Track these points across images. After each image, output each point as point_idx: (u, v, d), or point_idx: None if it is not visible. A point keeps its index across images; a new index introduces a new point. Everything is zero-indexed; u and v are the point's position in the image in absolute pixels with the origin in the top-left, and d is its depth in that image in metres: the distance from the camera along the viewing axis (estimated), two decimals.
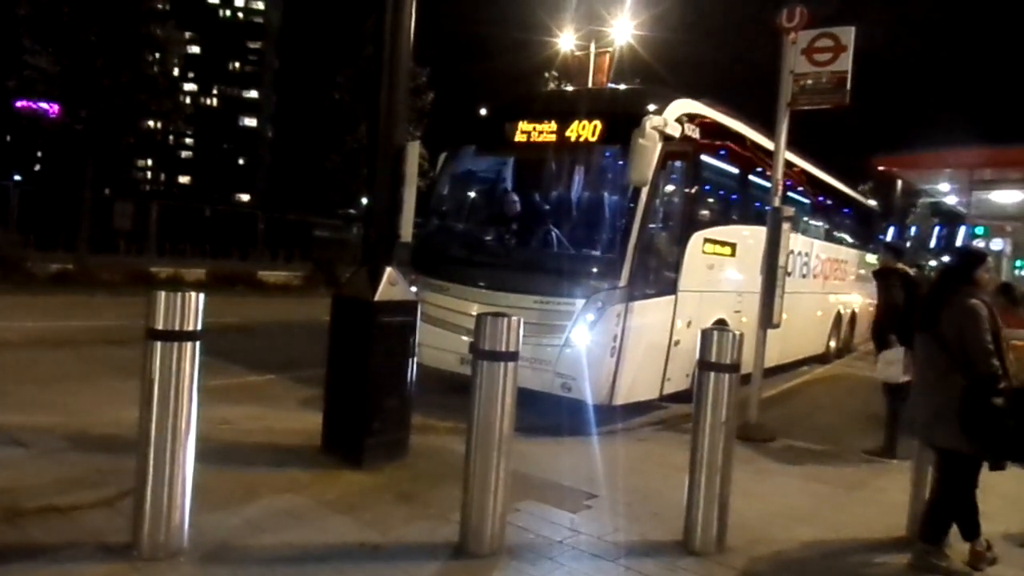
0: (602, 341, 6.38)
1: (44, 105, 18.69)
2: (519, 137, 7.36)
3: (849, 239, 13.86)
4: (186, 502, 3.35)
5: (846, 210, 13.92)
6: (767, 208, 7.21)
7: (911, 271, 7.23)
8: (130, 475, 3.41)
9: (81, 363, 7.67)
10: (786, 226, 6.92)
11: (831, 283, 12.38)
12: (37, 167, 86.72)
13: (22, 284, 13.74)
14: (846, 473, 5.96)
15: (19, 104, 19.21)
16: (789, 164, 8.48)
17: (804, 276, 10.76)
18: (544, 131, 7.23)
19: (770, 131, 7.38)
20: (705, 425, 3.95)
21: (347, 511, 4.12)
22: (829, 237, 12.47)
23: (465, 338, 6.78)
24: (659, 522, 4.34)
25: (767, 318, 6.86)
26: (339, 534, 3.82)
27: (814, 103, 6.84)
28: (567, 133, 7.04)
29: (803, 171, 10.98)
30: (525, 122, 7.34)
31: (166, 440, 3.25)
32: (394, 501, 4.35)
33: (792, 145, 7.70)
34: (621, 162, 6.67)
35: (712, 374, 3.94)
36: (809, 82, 6.77)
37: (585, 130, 6.95)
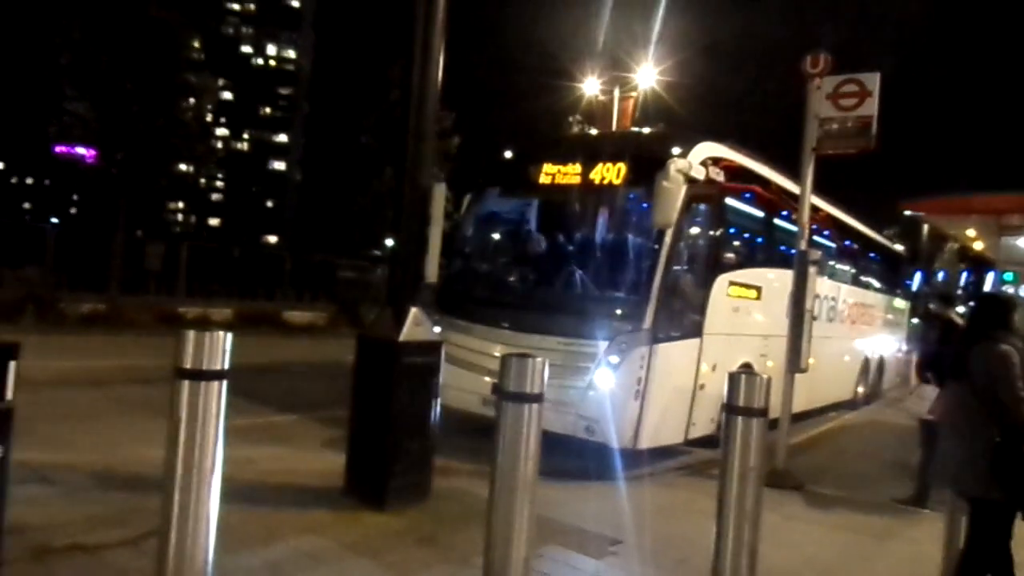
0: (626, 384, 6.33)
1: (81, 150, 19.22)
2: (543, 179, 7.43)
3: (876, 284, 13.71)
4: (210, 542, 3.34)
5: (872, 255, 13.80)
6: (792, 251, 7.18)
7: (958, 320, 7.11)
8: (154, 514, 3.41)
9: (110, 402, 7.75)
10: (813, 269, 6.88)
11: (858, 328, 12.22)
12: (73, 210, 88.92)
13: (55, 323, 13.97)
14: (876, 522, 5.82)
15: (58, 149, 19.81)
16: (815, 208, 8.46)
17: (831, 320, 10.64)
18: (568, 173, 7.29)
19: (796, 175, 7.38)
20: (733, 471, 3.88)
21: (369, 554, 4.09)
22: (855, 281, 12.35)
23: (487, 379, 6.76)
24: (686, 569, 4.26)
25: (795, 362, 6.79)
26: None
27: (839, 148, 6.86)
28: (591, 175, 7.10)
29: (828, 215, 10.94)
30: (549, 164, 7.42)
31: (191, 479, 3.26)
32: (416, 544, 4.31)
33: (817, 188, 7.70)
34: (645, 204, 6.69)
35: (740, 418, 3.88)
36: (834, 127, 6.80)
37: (609, 172, 7.01)
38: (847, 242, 12.04)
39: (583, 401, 6.36)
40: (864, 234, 13.05)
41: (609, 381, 6.33)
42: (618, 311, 6.60)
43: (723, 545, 3.89)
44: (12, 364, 3.09)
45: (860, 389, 12.72)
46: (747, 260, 8.31)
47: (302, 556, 3.97)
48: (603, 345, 6.39)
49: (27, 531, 3.74)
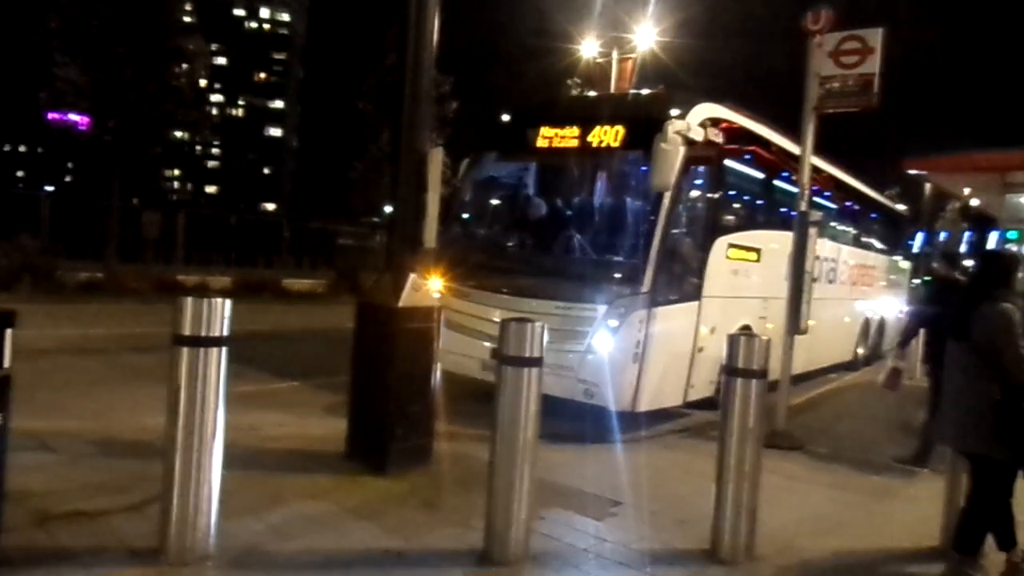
0: (624, 347, 6.33)
1: (74, 117, 18.98)
2: (541, 143, 7.35)
3: (877, 244, 13.66)
4: (212, 507, 3.36)
5: (874, 215, 13.74)
6: (793, 213, 7.12)
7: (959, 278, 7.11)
8: (156, 480, 3.43)
9: (109, 370, 7.76)
10: (813, 231, 6.83)
11: (859, 289, 12.21)
12: (68, 178, 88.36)
13: (52, 292, 13.93)
14: (876, 482, 5.86)
15: (50, 116, 19.57)
16: (815, 168, 8.39)
17: (831, 282, 10.62)
18: (566, 136, 7.21)
19: (796, 135, 7.30)
20: (732, 432, 3.90)
21: (371, 517, 4.11)
22: (856, 242, 12.31)
23: (486, 344, 6.76)
24: (685, 530, 4.29)
25: (794, 324, 6.78)
26: (363, 540, 3.82)
27: (841, 106, 6.76)
28: (589, 138, 7.02)
29: (829, 175, 10.86)
30: (547, 127, 7.32)
31: (192, 446, 3.27)
32: (418, 507, 4.34)
33: (819, 149, 7.62)
34: (643, 167, 6.62)
35: (739, 380, 3.89)
36: (835, 85, 6.70)
37: (607, 135, 6.92)
38: (848, 203, 11.97)
39: (582, 365, 6.37)
40: (865, 194, 12.97)
41: (608, 344, 6.33)
42: (616, 275, 6.57)
43: (722, 506, 3.93)
44: (8, 332, 3.07)
45: (860, 350, 12.76)
46: (746, 222, 8.26)
47: (304, 520, 3.99)
48: (602, 309, 6.38)
49: (29, 497, 3.75)
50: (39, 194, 21.60)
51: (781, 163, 8.84)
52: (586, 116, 7.23)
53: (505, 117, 8.04)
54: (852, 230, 12.27)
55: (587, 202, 7.50)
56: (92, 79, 16.11)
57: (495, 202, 8.36)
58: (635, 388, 6.39)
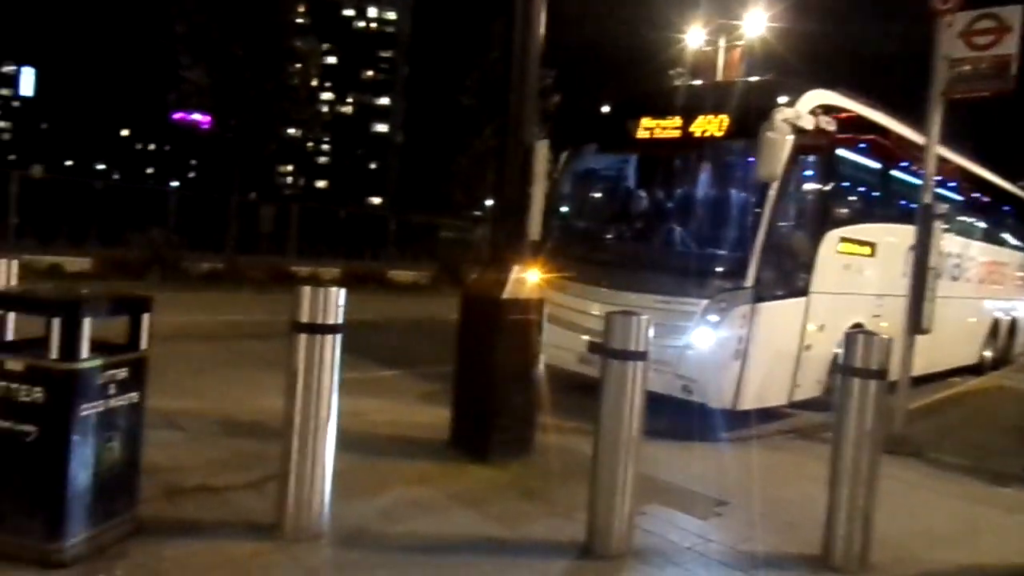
0: (726, 343, 6.15)
1: (198, 116, 20.15)
2: (642, 133, 7.21)
3: (1011, 240, 12.72)
4: (326, 488, 3.51)
5: (1006, 208, 12.78)
6: (912, 205, 6.73)
7: None
8: (274, 460, 3.61)
9: (229, 354, 8.21)
10: (938, 224, 6.43)
11: (987, 287, 11.41)
12: (191, 174, 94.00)
13: (178, 281, 14.90)
14: (1004, 494, 5.48)
15: (176, 116, 20.84)
16: (940, 158, 7.90)
17: (955, 279, 9.97)
18: (668, 127, 7.04)
19: (920, 122, 6.89)
20: (848, 434, 3.73)
21: (474, 505, 4.18)
22: (986, 237, 11.50)
23: (584, 337, 6.75)
24: (795, 534, 4.14)
25: (915, 323, 6.41)
26: (466, 527, 3.89)
27: (972, 91, 6.33)
28: (692, 128, 6.83)
29: (956, 165, 10.19)
30: (648, 118, 7.18)
31: (308, 428, 3.42)
32: (520, 497, 4.38)
33: (946, 137, 7.15)
34: (749, 157, 6.38)
35: (857, 380, 3.72)
36: (967, 68, 6.27)
37: (711, 124, 6.73)
38: (976, 194, 11.20)
39: (681, 360, 6.22)
40: (996, 185, 12.09)
41: (708, 340, 6.18)
42: (718, 269, 6.40)
43: (836, 511, 3.77)
44: (146, 316, 3.31)
45: (987, 353, 11.92)
46: (861, 215, 7.86)
47: (410, 504, 4.10)
48: (702, 304, 6.23)
49: (160, 472, 4.02)
50: (166, 190, 23.12)
51: (900, 152, 8.36)
52: (689, 106, 7.05)
53: (604, 109, 7.95)
54: (981, 224, 11.47)
55: (689, 194, 7.33)
56: (214, 80, 17.06)
57: (594, 194, 8.28)
58: (736, 386, 6.20)
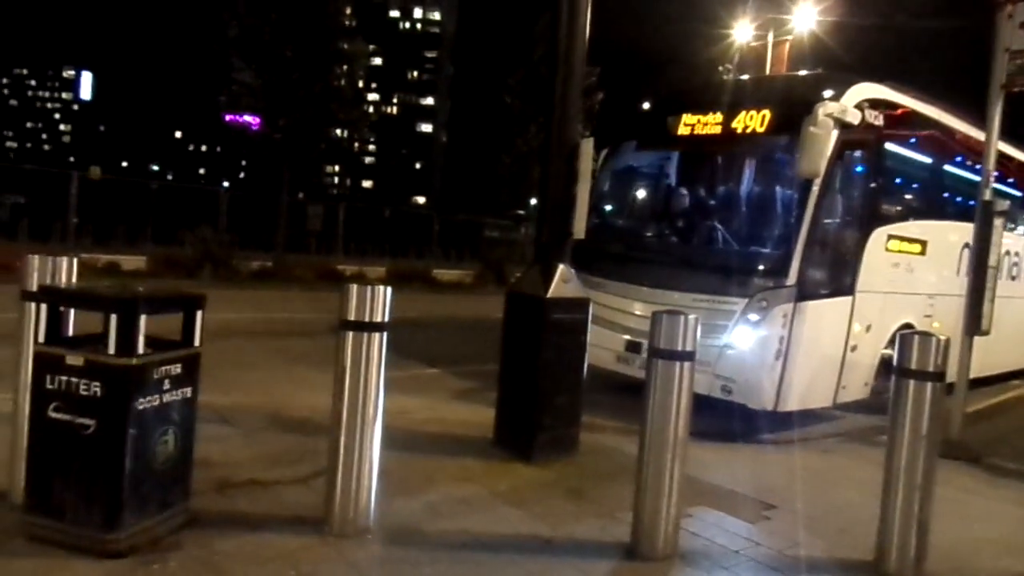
0: (766, 343, 6.02)
1: (248, 118, 20.57)
2: (682, 130, 7.09)
3: None
4: (373, 484, 3.54)
5: None
6: (968, 201, 6.52)
7: None
8: (322, 455, 3.66)
9: (279, 351, 8.36)
10: (999, 222, 6.22)
11: None
12: (242, 174, 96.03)
13: (229, 279, 15.25)
14: None
15: (227, 118, 21.33)
16: (1001, 155, 7.63)
17: (1014, 278, 9.62)
18: (708, 123, 6.90)
19: (977, 116, 6.67)
20: (903, 438, 3.62)
21: (518, 503, 4.18)
22: None
23: (623, 336, 6.70)
24: (846, 539, 4.05)
25: (974, 324, 6.21)
26: (511, 525, 3.89)
27: None
28: (733, 124, 6.69)
29: (1019, 161, 9.83)
30: (689, 114, 7.05)
31: (356, 424, 3.46)
32: (564, 497, 4.36)
33: (1007, 132, 6.91)
34: (791, 153, 6.24)
35: (912, 382, 3.61)
36: None
37: (753, 120, 6.59)
38: None
39: (720, 360, 6.11)
40: None
41: (748, 340, 6.06)
42: (759, 267, 6.28)
43: (890, 517, 3.67)
44: (199, 313, 3.38)
45: None
46: (911, 211, 7.64)
47: (456, 502, 4.12)
48: (742, 302, 6.11)
49: (211, 466, 4.11)
50: (218, 190, 23.64)
51: (954, 146, 8.11)
52: (730, 101, 6.90)
53: (644, 105, 7.86)
54: None
55: (729, 191, 7.21)
56: (264, 82, 17.41)
57: (633, 192, 8.20)
58: (777, 386, 6.06)
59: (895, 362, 3.74)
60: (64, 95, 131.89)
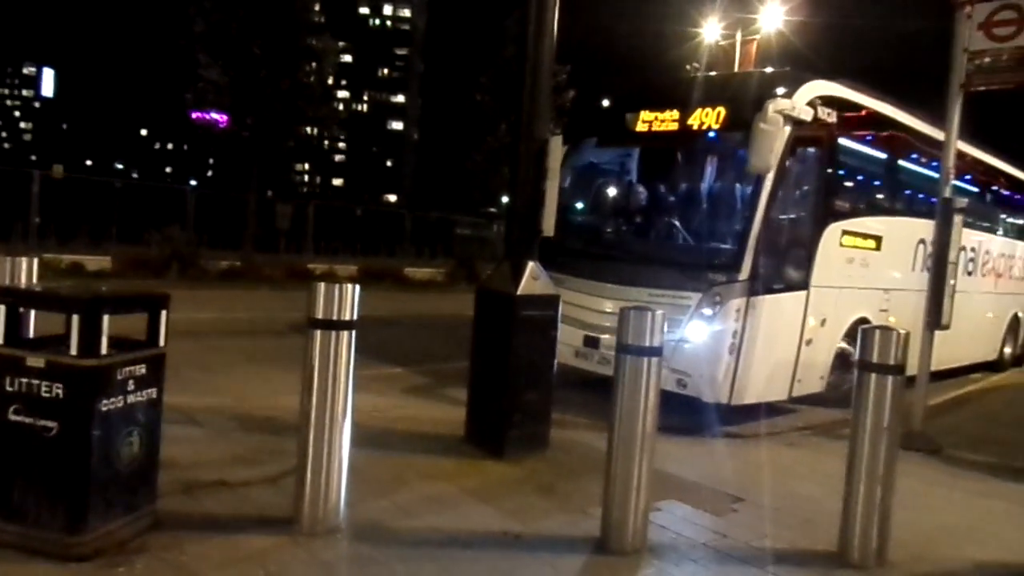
0: (720, 337, 6.10)
1: (215, 115, 20.30)
2: (640, 127, 7.11)
3: None
4: (342, 483, 3.53)
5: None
6: (923, 197, 6.66)
7: None
8: (291, 455, 3.64)
9: (246, 351, 8.27)
10: (958, 219, 6.37)
11: (1006, 282, 11.26)
12: (209, 172, 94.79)
13: (197, 279, 15.04)
14: None
15: (194, 115, 21.03)
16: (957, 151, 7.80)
17: (970, 274, 9.85)
18: (666, 120, 6.95)
19: (933, 114, 6.81)
20: (865, 430, 3.70)
21: (489, 500, 4.19)
22: (1003, 231, 11.35)
23: (581, 331, 6.75)
24: (811, 530, 4.12)
25: (935, 318, 6.35)
26: (482, 522, 3.90)
27: (993, 83, 6.25)
28: (690, 121, 6.75)
29: (973, 158, 10.05)
30: (647, 111, 7.09)
31: (325, 423, 3.44)
32: (535, 493, 4.39)
33: (965, 129, 7.05)
34: (744, 150, 6.32)
35: (873, 375, 3.69)
36: (987, 60, 6.18)
37: (708, 117, 6.66)
38: (994, 187, 11.06)
39: (675, 354, 6.11)
40: (1015, 177, 11.93)
41: (702, 334, 6.13)
42: (712, 261, 6.38)
43: (852, 507, 3.75)
44: (164, 313, 3.34)
45: (1008, 349, 11.79)
46: (865, 208, 7.79)
47: (426, 499, 4.12)
48: (696, 296, 6.19)
49: (179, 467, 4.06)
50: (185, 188, 23.30)
51: (909, 144, 8.26)
52: (687, 98, 6.98)
53: (604, 103, 7.91)
54: (1000, 217, 11.32)
55: (685, 187, 7.28)
56: (231, 79, 17.19)
57: (589, 189, 8.24)
58: (732, 380, 6.14)
59: (857, 356, 3.81)
60: (25, 92, 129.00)
